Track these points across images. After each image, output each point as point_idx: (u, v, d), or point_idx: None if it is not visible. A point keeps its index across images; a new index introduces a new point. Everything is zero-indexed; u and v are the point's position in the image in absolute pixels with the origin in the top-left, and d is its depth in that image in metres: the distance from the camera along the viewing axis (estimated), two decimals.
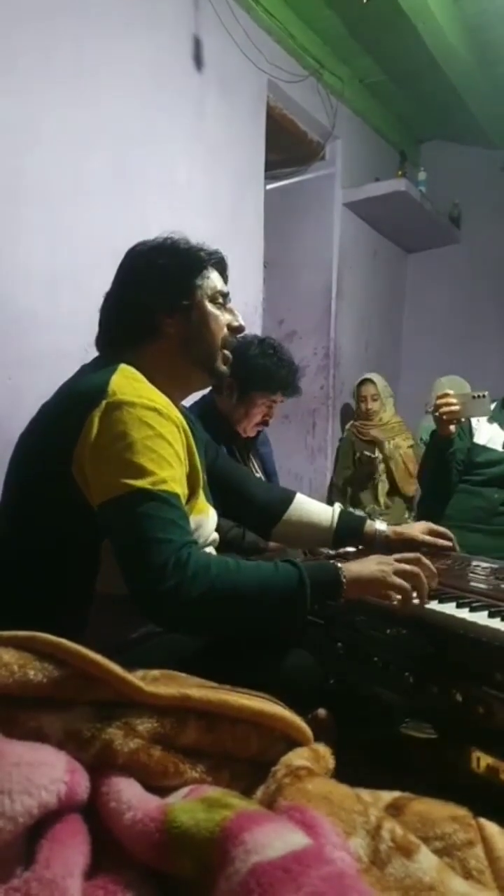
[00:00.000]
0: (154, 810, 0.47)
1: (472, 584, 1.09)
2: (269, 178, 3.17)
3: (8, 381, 1.83)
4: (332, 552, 1.33)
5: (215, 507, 1.19)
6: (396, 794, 0.58)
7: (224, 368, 1.15)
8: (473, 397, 1.67)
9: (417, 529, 1.32)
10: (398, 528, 1.31)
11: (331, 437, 3.69)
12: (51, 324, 1.93)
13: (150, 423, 0.92)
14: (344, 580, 0.93)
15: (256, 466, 2.06)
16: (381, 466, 3.35)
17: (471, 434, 1.92)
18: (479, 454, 1.90)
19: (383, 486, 3.35)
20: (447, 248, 4.24)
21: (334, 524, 1.31)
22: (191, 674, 0.66)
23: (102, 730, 0.54)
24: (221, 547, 1.22)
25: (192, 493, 1.04)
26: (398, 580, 0.93)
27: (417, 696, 0.92)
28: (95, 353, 1.13)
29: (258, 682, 0.66)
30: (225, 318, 1.13)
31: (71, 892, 0.41)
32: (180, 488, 0.94)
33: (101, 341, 1.13)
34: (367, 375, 3.50)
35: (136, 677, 0.58)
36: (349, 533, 1.31)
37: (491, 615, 0.91)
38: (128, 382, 0.96)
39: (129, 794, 0.50)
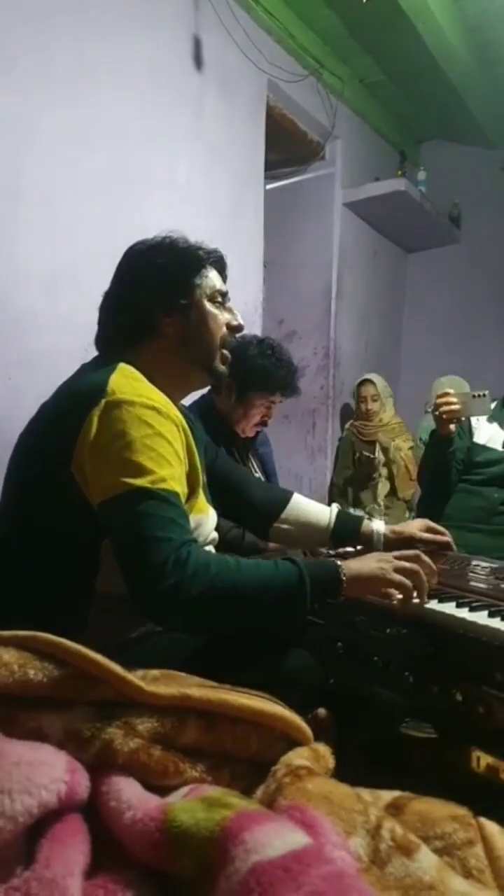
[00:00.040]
0: (154, 810, 0.47)
1: (472, 583, 1.09)
2: (268, 177, 3.17)
3: (7, 380, 1.83)
4: (331, 552, 1.33)
5: (214, 507, 1.19)
6: (396, 793, 0.58)
7: (223, 368, 1.15)
8: (474, 396, 1.67)
9: (415, 527, 1.32)
10: (396, 527, 1.31)
11: (331, 437, 3.69)
12: (50, 323, 1.93)
13: (150, 421, 0.92)
14: (344, 578, 0.93)
15: (256, 467, 2.06)
16: (383, 468, 3.35)
17: (470, 433, 1.92)
18: (478, 453, 1.89)
19: (383, 487, 3.35)
20: (447, 248, 4.25)
21: (332, 524, 1.31)
22: (191, 673, 0.66)
23: (102, 729, 0.54)
24: (221, 547, 1.22)
25: (192, 492, 1.04)
26: (398, 577, 0.93)
27: (417, 695, 0.92)
28: (95, 353, 1.13)
29: (258, 681, 0.66)
30: (224, 317, 1.13)
31: (71, 892, 0.41)
32: (180, 487, 0.94)
33: (100, 341, 1.13)
34: (367, 376, 3.50)
35: (136, 677, 0.58)
36: (347, 533, 1.31)
37: (491, 615, 0.91)
38: (127, 381, 0.96)
39: (129, 794, 0.50)
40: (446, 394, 1.70)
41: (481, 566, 1.22)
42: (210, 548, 1.15)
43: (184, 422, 1.03)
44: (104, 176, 2.12)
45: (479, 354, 3.89)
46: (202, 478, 1.11)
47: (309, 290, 3.67)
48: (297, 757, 0.59)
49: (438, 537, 1.32)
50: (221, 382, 1.61)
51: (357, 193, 3.61)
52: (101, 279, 1.14)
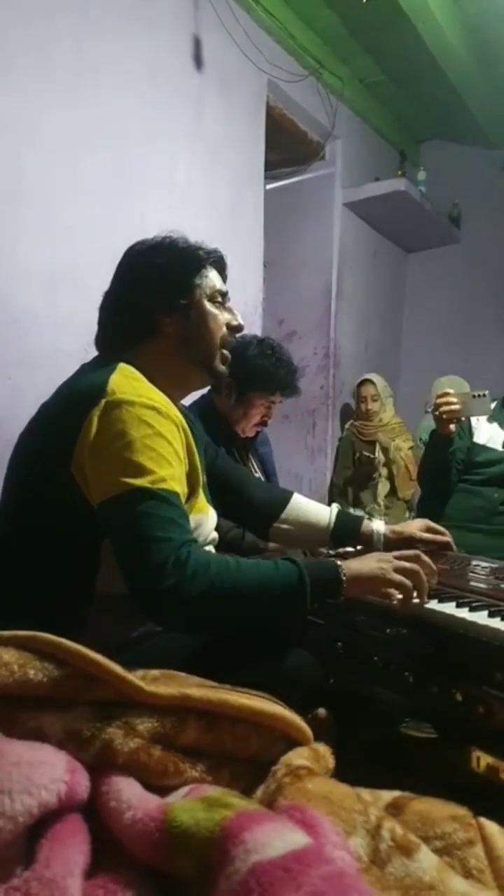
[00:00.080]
0: (154, 810, 0.47)
1: (472, 583, 1.09)
2: (268, 177, 3.17)
3: (7, 380, 1.83)
4: (331, 552, 1.33)
5: (214, 507, 1.19)
6: (396, 793, 0.58)
7: (223, 368, 1.14)
8: (474, 396, 1.67)
9: (415, 527, 1.32)
10: (396, 527, 1.31)
11: (331, 437, 3.69)
12: (50, 323, 1.93)
13: (150, 421, 0.92)
14: (344, 578, 0.93)
15: (255, 467, 2.06)
16: (383, 468, 3.35)
17: (470, 433, 1.92)
18: (478, 453, 1.89)
19: (383, 487, 3.35)
20: (447, 248, 4.25)
21: (332, 524, 1.31)
22: (191, 673, 0.66)
23: (102, 729, 0.54)
24: (221, 547, 1.22)
25: (192, 492, 1.04)
26: (398, 577, 0.93)
27: (417, 695, 0.92)
28: (95, 353, 1.13)
29: (258, 681, 0.66)
30: (224, 317, 1.13)
31: (71, 892, 0.41)
32: (180, 487, 0.94)
33: (100, 341, 1.13)
34: (367, 376, 3.50)
35: (136, 677, 0.58)
36: (347, 532, 1.31)
37: (491, 615, 0.91)
38: (127, 381, 0.96)
39: (129, 794, 0.50)
40: (446, 394, 1.70)
41: (481, 566, 1.22)
42: (210, 548, 1.15)
43: (184, 422, 1.03)
44: (104, 176, 2.12)
45: (479, 354, 3.89)
46: (202, 478, 1.11)
47: (309, 290, 3.67)
48: (297, 757, 0.59)
49: (438, 537, 1.32)
50: (221, 382, 1.61)
51: (357, 193, 3.61)
52: (101, 279, 1.13)
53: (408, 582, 0.93)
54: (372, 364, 3.92)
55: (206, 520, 1.11)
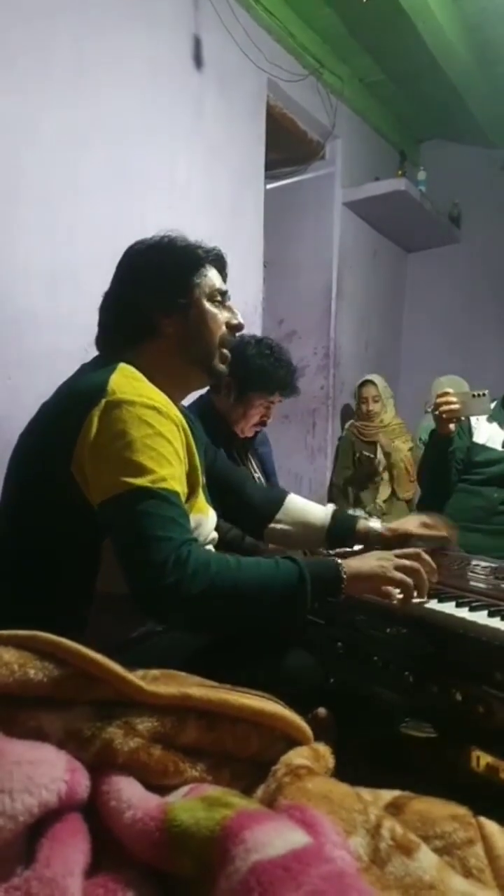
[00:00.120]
0: (154, 809, 0.47)
1: (472, 583, 1.09)
2: (268, 177, 3.17)
3: (7, 380, 1.83)
4: (330, 552, 1.33)
5: (214, 508, 1.19)
6: (396, 792, 0.58)
7: (222, 367, 1.14)
8: (473, 396, 1.67)
9: (412, 524, 1.32)
10: (392, 525, 1.31)
11: (331, 437, 3.69)
12: (50, 323, 1.93)
13: (150, 421, 0.92)
14: (344, 576, 0.93)
15: (255, 467, 2.06)
16: (383, 470, 3.35)
17: (470, 433, 1.92)
18: (478, 453, 1.90)
19: (385, 489, 3.35)
20: (447, 248, 4.24)
21: (327, 523, 1.31)
22: (191, 673, 0.66)
23: (102, 729, 0.54)
24: (221, 547, 1.22)
25: (192, 492, 1.04)
26: (399, 575, 0.93)
27: (417, 695, 0.93)
28: (95, 353, 1.13)
29: (258, 681, 0.67)
30: (223, 316, 1.13)
31: (71, 891, 0.41)
32: (180, 486, 0.94)
33: (100, 341, 1.13)
34: (368, 377, 3.50)
35: (136, 676, 0.58)
36: (343, 531, 1.31)
37: (490, 615, 0.91)
38: (127, 381, 0.96)
39: (130, 793, 0.50)
40: (446, 393, 1.70)
41: (481, 566, 1.23)
42: (210, 548, 1.15)
43: (184, 422, 1.03)
44: (104, 175, 2.12)
45: (479, 354, 3.89)
46: (202, 478, 1.11)
47: (309, 289, 3.67)
48: (298, 756, 0.59)
49: (435, 532, 1.32)
50: (221, 382, 1.61)
51: (357, 193, 3.60)
52: (101, 279, 1.13)
53: (409, 580, 0.93)
54: (372, 364, 3.92)
55: (205, 520, 1.11)
